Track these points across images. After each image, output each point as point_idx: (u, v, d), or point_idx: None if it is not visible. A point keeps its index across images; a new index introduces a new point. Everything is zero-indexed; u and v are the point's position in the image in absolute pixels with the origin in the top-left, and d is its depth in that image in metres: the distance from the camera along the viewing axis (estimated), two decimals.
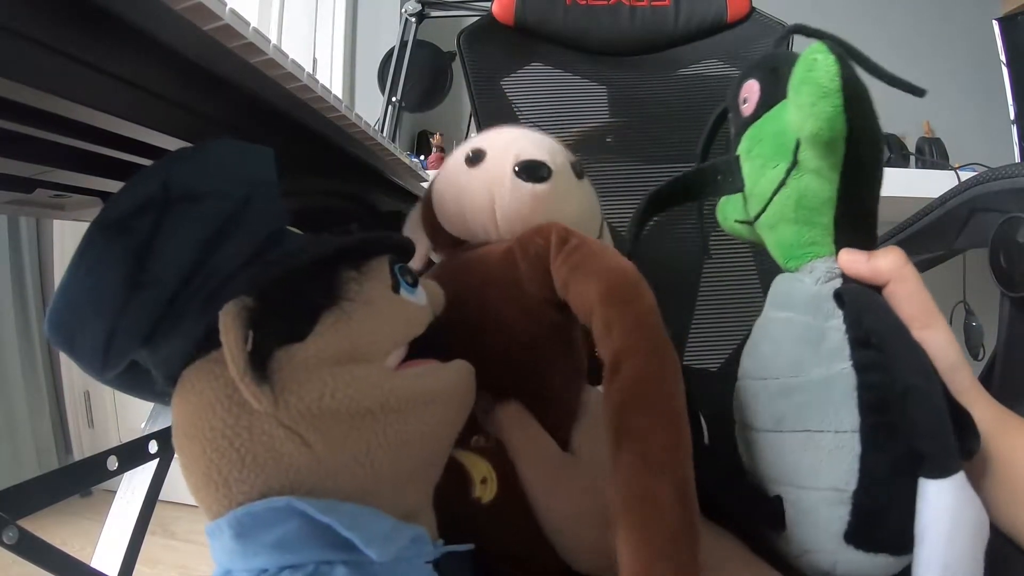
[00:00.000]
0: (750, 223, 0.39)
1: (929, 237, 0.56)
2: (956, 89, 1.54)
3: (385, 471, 0.28)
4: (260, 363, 0.24)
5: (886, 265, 0.34)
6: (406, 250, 0.34)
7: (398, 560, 0.26)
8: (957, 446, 0.29)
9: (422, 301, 0.33)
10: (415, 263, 0.48)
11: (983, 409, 0.32)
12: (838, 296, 0.34)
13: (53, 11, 0.23)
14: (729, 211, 0.42)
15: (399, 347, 0.31)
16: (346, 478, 0.26)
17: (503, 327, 0.38)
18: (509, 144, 0.43)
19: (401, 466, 0.29)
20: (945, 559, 0.28)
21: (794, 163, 0.34)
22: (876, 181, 0.35)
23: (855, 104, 0.31)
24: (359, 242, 0.30)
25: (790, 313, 0.36)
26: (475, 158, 0.44)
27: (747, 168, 0.38)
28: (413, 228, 0.50)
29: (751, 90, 0.39)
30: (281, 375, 0.25)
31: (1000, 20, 1.33)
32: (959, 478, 0.28)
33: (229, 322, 0.23)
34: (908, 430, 0.30)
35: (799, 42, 0.41)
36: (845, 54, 0.31)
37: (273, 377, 0.25)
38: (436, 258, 0.50)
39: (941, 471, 0.28)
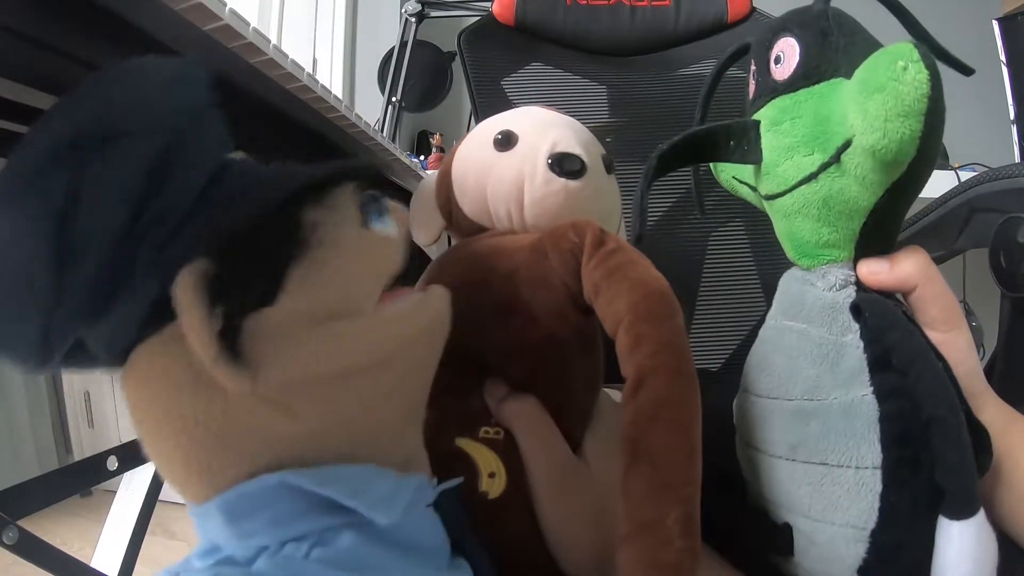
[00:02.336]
0: (756, 192, 0.36)
1: (929, 237, 0.56)
2: (956, 89, 1.53)
3: (379, 424, 0.26)
4: (230, 339, 0.21)
5: (912, 269, 0.32)
6: (370, 175, 0.30)
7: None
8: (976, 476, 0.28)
9: (394, 232, 0.29)
10: (425, 239, 0.47)
11: (993, 411, 0.31)
12: (855, 308, 0.32)
13: (53, 11, 0.23)
14: (730, 167, 0.38)
15: (380, 289, 0.27)
16: (339, 441, 0.24)
17: (528, 321, 0.36)
18: (543, 131, 0.41)
19: (394, 414, 0.27)
20: None
21: (833, 161, 0.30)
22: (917, 196, 0.32)
23: (932, 131, 0.27)
24: (319, 173, 0.26)
25: (803, 324, 0.33)
26: (505, 141, 0.41)
27: (769, 141, 0.33)
28: (424, 203, 0.47)
29: (789, 50, 0.33)
30: (255, 347, 0.21)
31: (1000, 20, 1.33)
32: (980, 516, 0.27)
33: (189, 298, 0.20)
34: (931, 464, 0.28)
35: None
36: (935, 63, 0.26)
37: (247, 351, 0.21)
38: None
39: (965, 511, 0.27)
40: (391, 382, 0.26)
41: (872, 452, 0.29)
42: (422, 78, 1.32)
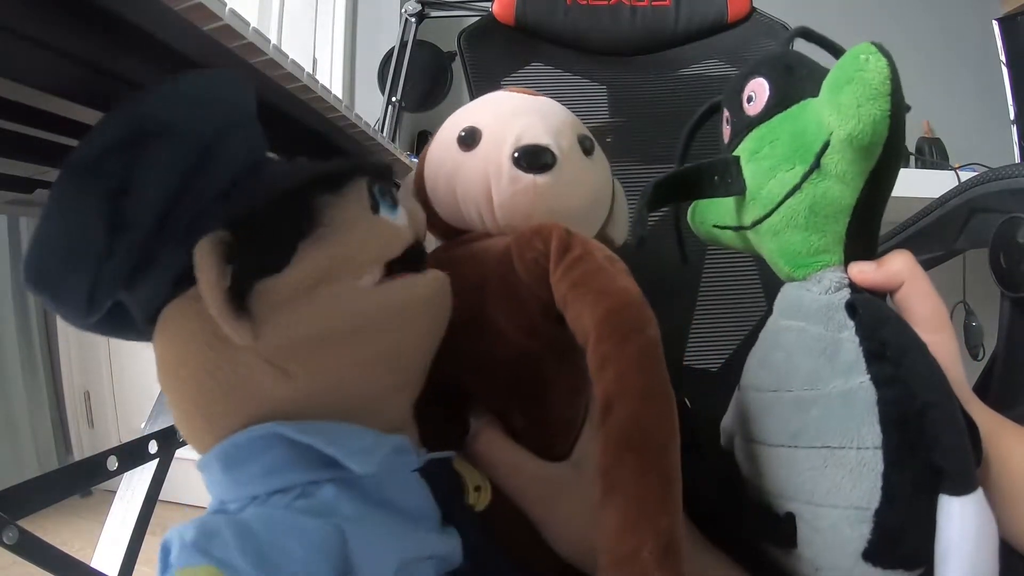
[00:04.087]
0: (741, 229, 0.38)
1: (929, 237, 0.56)
2: (956, 89, 1.54)
3: (366, 390, 0.28)
4: (238, 298, 0.24)
5: (899, 266, 0.33)
6: (385, 173, 0.32)
7: (383, 472, 0.27)
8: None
9: (402, 222, 0.32)
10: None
11: (980, 418, 0.32)
12: (850, 306, 0.33)
13: (53, 11, 0.23)
14: (710, 215, 0.40)
15: (375, 265, 0.29)
16: (327, 402, 0.27)
17: (495, 337, 0.35)
18: (507, 123, 0.38)
19: (381, 382, 0.29)
20: None
21: (815, 167, 0.32)
22: (891, 190, 0.34)
23: (899, 112, 0.30)
24: (335, 167, 0.29)
25: (801, 323, 0.34)
26: (468, 139, 0.38)
27: (751, 170, 0.36)
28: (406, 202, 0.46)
29: (759, 87, 0.37)
30: (260, 308, 0.25)
31: (1000, 20, 1.33)
32: (979, 494, 0.28)
33: (203, 258, 0.23)
34: (928, 446, 0.29)
35: (801, 46, 0.39)
36: (889, 52, 0.30)
37: (252, 311, 0.25)
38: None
39: (964, 488, 0.28)
40: (376, 351, 0.28)
41: (872, 433, 0.30)
42: (422, 78, 1.32)
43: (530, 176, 0.36)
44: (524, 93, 0.43)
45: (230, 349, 0.25)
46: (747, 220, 0.36)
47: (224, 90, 0.27)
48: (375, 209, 0.30)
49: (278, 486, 0.25)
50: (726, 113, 0.40)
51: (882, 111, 0.29)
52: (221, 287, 0.23)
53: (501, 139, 0.37)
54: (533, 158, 0.36)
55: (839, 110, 0.30)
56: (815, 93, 0.33)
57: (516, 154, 0.36)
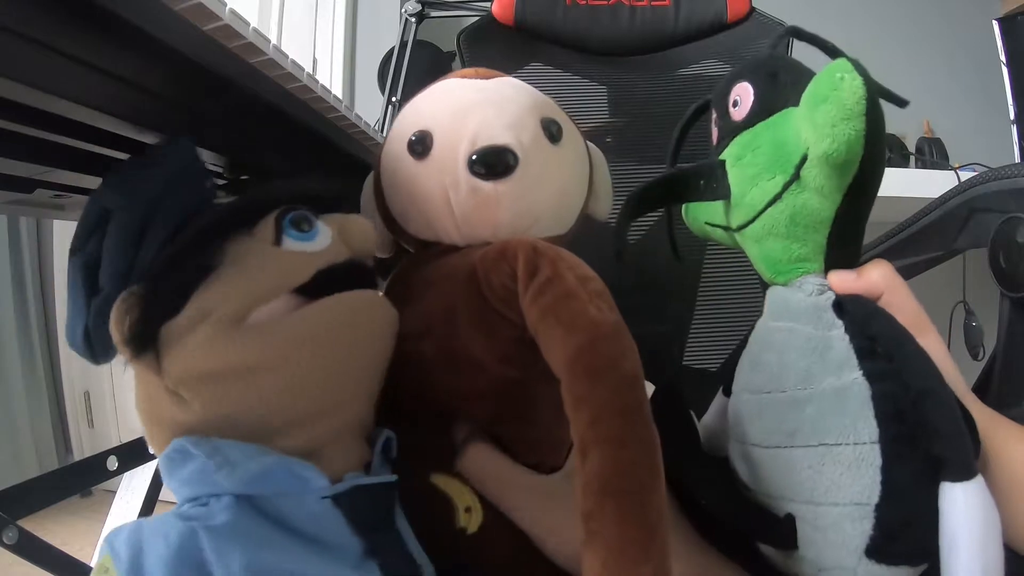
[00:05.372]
0: (729, 230, 0.38)
1: (929, 237, 0.56)
2: (956, 89, 1.54)
3: (274, 419, 0.29)
4: (141, 341, 0.28)
5: (877, 276, 0.34)
6: (308, 196, 0.32)
7: (281, 494, 0.28)
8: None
9: (319, 245, 0.31)
10: (379, 252, 0.43)
11: (975, 411, 0.32)
12: (838, 305, 0.33)
13: (53, 11, 0.23)
14: (701, 213, 0.41)
15: (267, 300, 0.30)
16: (232, 430, 0.29)
17: (475, 370, 0.33)
18: (460, 123, 0.34)
19: (295, 411, 0.30)
20: (984, 561, 0.27)
21: (794, 178, 0.33)
22: (874, 200, 0.34)
23: (875, 129, 0.30)
24: (237, 206, 0.31)
25: (791, 323, 0.35)
26: (420, 147, 0.35)
27: (735, 175, 0.36)
28: (369, 211, 0.42)
29: (744, 93, 0.37)
30: (163, 348, 0.28)
31: (1000, 20, 1.33)
32: (981, 479, 0.28)
33: (113, 314, 0.28)
34: (927, 435, 0.29)
35: (796, 48, 0.39)
36: (867, 71, 0.30)
37: (160, 349, 0.28)
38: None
39: (966, 474, 0.28)
40: (278, 386, 0.29)
41: (868, 427, 0.30)
42: (422, 78, 1.32)
43: (489, 185, 0.33)
44: (476, 77, 0.39)
45: (149, 384, 0.29)
46: (733, 223, 0.37)
47: (168, 160, 0.31)
48: (277, 241, 0.31)
49: (190, 495, 0.28)
50: (714, 114, 0.40)
51: (856, 131, 0.29)
52: (121, 334, 0.28)
53: (454, 143, 0.34)
54: (492, 162, 0.33)
55: (815, 128, 0.30)
56: (798, 102, 0.33)
57: (473, 158, 0.33)
